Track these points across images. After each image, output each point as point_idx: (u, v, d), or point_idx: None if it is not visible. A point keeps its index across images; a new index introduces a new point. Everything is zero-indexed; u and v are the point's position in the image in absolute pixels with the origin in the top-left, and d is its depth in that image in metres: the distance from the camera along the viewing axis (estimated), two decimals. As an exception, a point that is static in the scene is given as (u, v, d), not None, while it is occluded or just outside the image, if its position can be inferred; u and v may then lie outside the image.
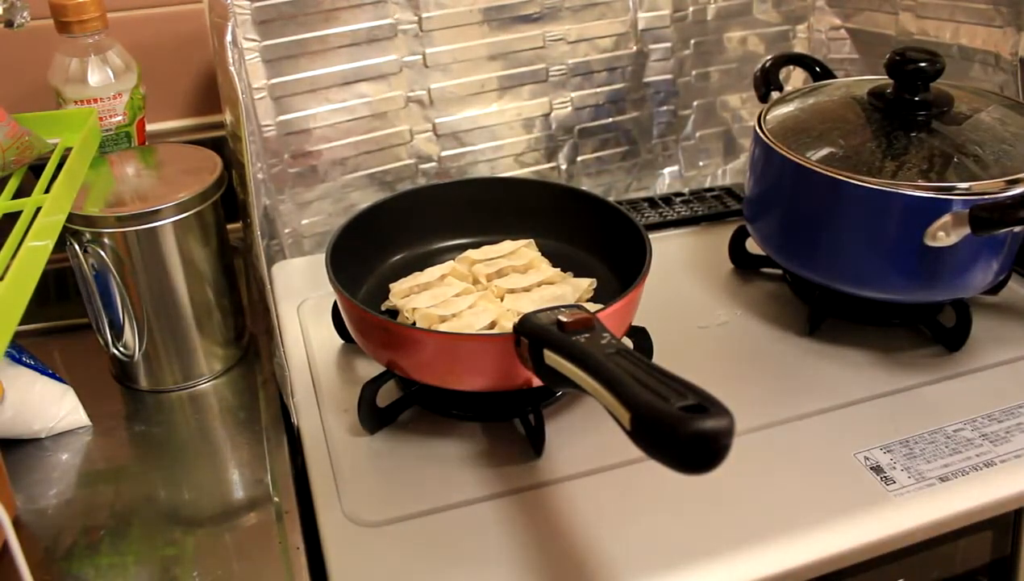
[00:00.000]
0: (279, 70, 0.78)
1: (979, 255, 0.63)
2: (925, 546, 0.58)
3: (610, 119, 0.92)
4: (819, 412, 0.63)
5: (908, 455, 0.59)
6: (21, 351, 0.66)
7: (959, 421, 0.62)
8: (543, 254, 0.73)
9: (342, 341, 0.71)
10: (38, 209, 0.53)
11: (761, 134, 0.70)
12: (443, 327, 0.63)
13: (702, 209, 0.90)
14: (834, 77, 0.79)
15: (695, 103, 0.95)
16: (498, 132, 0.88)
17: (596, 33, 0.88)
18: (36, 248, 0.50)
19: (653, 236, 0.68)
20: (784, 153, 0.67)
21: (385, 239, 0.74)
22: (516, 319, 0.54)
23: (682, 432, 0.38)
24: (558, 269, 0.71)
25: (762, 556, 0.52)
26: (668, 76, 0.92)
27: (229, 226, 0.70)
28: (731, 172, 0.98)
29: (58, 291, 0.80)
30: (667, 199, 0.92)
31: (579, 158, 0.92)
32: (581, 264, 0.73)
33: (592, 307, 0.56)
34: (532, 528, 0.55)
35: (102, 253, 0.64)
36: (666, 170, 0.96)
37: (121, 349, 0.68)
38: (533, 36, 0.86)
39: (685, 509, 0.55)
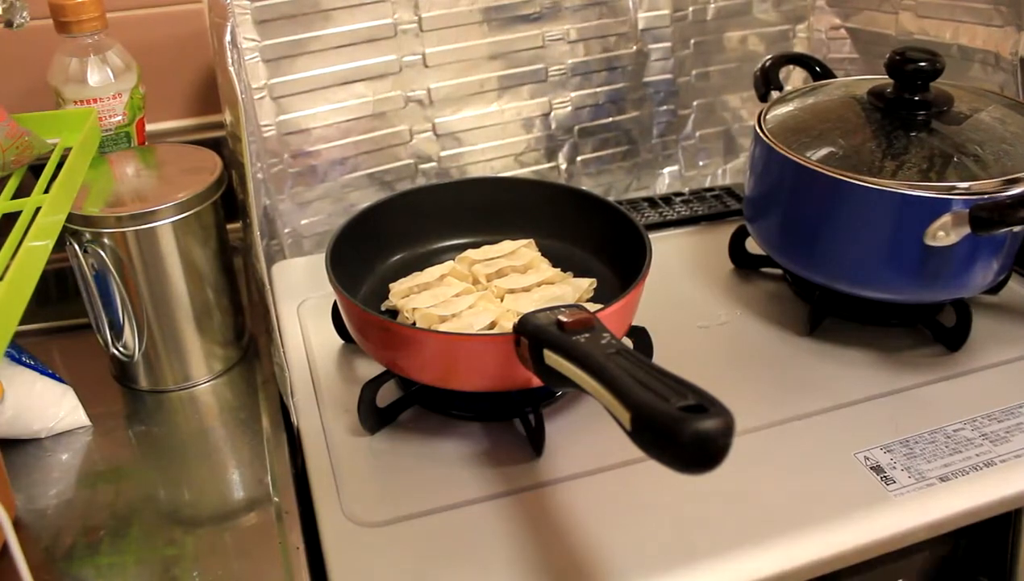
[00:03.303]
0: (279, 70, 0.78)
1: (979, 255, 0.63)
2: (925, 546, 0.58)
3: (610, 119, 0.92)
4: (819, 412, 0.63)
5: (908, 455, 0.59)
6: (21, 351, 0.66)
7: (959, 421, 0.62)
8: (543, 254, 0.73)
9: (342, 341, 0.71)
10: (38, 209, 0.53)
11: (761, 134, 0.70)
12: (443, 327, 0.63)
13: (702, 209, 0.90)
14: (834, 77, 0.79)
15: (695, 103, 0.95)
16: (498, 132, 0.88)
17: (596, 33, 0.88)
18: (36, 248, 0.50)
19: (653, 236, 0.68)
20: (784, 153, 0.67)
21: (385, 239, 0.74)
22: (516, 319, 0.54)
23: (682, 432, 0.38)
24: (558, 269, 0.71)
25: (762, 556, 0.52)
26: (668, 76, 0.92)
27: (229, 226, 0.70)
28: (731, 172, 0.98)
29: (58, 291, 0.80)
30: (667, 199, 0.92)
31: (579, 158, 0.92)
32: (581, 264, 0.73)
33: (592, 307, 0.56)
34: (532, 528, 0.55)
35: (102, 253, 0.64)
36: (666, 170, 0.96)
37: (121, 349, 0.68)
38: (533, 36, 0.86)
39: (685, 509, 0.55)
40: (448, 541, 0.54)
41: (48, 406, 0.65)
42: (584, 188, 0.86)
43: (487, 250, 0.72)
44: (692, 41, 0.92)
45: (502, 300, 0.67)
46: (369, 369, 0.67)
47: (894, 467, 0.58)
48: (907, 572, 0.60)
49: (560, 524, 0.55)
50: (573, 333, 0.49)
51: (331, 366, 0.69)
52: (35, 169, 0.61)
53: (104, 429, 0.66)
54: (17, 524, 0.58)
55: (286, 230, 0.83)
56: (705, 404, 0.39)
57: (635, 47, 0.90)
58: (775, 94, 0.76)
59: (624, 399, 0.42)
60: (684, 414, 0.39)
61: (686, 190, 0.94)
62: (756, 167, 0.72)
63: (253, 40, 0.76)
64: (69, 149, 0.61)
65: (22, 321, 0.46)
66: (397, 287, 0.70)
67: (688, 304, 0.76)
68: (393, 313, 0.68)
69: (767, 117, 0.72)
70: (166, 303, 0.66)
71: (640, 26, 0.89)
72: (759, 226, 0.73)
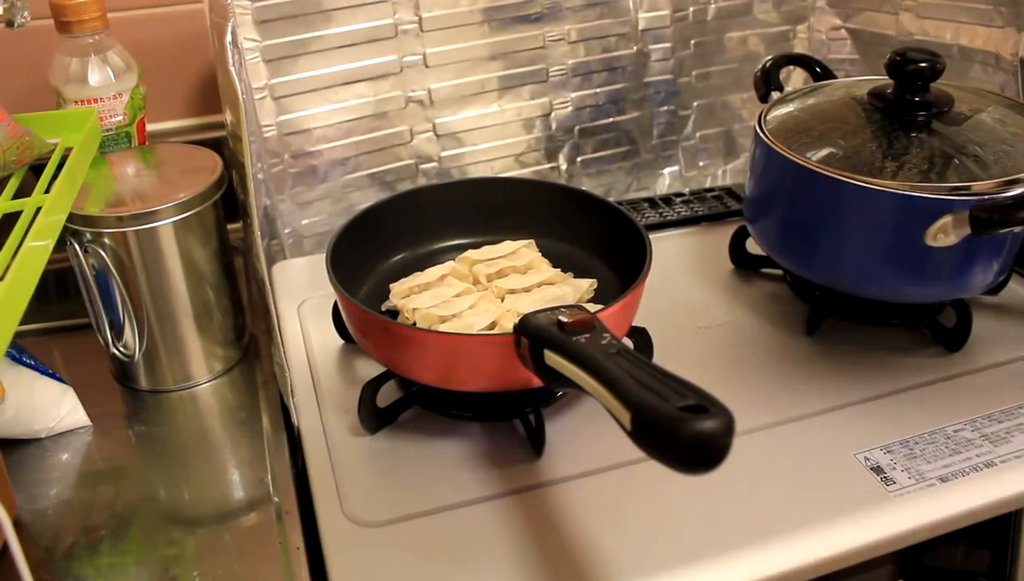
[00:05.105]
0: (279, 70, 0.78)
1: (979, 255, 0.63)
2: (925, 546, 0.58)
3: (610, 119, 0.92)
4: (819, 412, 0.63)
5: (908, 455, 0.59)
6: (21, 351, 0.66)
7: (959, 421, 0.62)
8: (543, 254, 0.73)
9: (342, 341, 0.71)
10: (38, 209, 0.53)
11: (761, 134, 0.70)
12: (443, 327, 0.63)
13: (702, 209, 0.90)
14: (834, 77, 0.79)
15: (695, 103, 0.95)
16: (498, 132, 0.88)
17: (596, 33, 0.88)
18: (36, 248, 0.50)
19: (653, 236, 0.68)
20: (784, 153, 0.67)
21: (385, 239, 0.74)
22: (516, 319, 0.54)
23: (682, 432, 0.38)
24: (558, 269, 0.71)
25: (762, 556, 0.52)
26: (668, 76, 0.92)
27: (229, 226, 0.70)
28: (731, 172, 0.98)
29: (58, 291, 0.80)
30: (667, 199, 0.92)
31: (579, 158, 0.92)
32: (581, 264, 0.73)
33: (592, 307, 0.56)
34: (532, 528, 0.55)
35: (102, 253, 0.64)
36: (666, 170, 0.96)
37: (121, 349, 0.68)
38: (533, 36, 0.86)
39: (685, 509, 0.55)
40: (448, 541, 0.54)
41: (48, 406, 0.65)
42: (584, 188, 0.86)
43: (487, 250, 0.72)
44: (692, 41, 0.92)
45: (502, 300, 0.67)
46: (369, 369, 0.67)
47: (894, 467, 0.58)
48: (907, 572, 0.60)
49: (560, 524, 0.55)
50: (573, 333, 0.49)
51: (331, 366, 0.69)
52: (36, 169, 0.61)
53: (104, 429, 0.66)
54: (17, 524, 0.58)
55: (286, 230, 0.83)
56: (705, 404, 0.39)
57: (635, 47, 0.90)
58: (775, 95, 0.76)
59: (624, 399, 0.42)
60: (684, 414, 0.39)
61: (686, 190, 0.94)
62: (756, 168, 0.72)
63: (254, 40, 0.76)
64: (70, 149, 0.61)
65: (22, 321, 0.46)
66: (397, 287, 0.70)
67: (688, 304, 0.76)
68: (393, 313, 0.68)
69: (767, 118, 0.72)
70: (166, 303, 0.67)
71: (640, 26, 0.89)
72: (759, 226, 0.73)
